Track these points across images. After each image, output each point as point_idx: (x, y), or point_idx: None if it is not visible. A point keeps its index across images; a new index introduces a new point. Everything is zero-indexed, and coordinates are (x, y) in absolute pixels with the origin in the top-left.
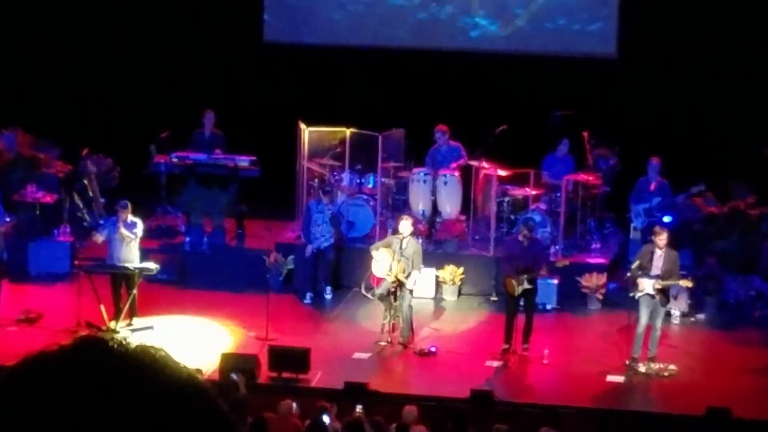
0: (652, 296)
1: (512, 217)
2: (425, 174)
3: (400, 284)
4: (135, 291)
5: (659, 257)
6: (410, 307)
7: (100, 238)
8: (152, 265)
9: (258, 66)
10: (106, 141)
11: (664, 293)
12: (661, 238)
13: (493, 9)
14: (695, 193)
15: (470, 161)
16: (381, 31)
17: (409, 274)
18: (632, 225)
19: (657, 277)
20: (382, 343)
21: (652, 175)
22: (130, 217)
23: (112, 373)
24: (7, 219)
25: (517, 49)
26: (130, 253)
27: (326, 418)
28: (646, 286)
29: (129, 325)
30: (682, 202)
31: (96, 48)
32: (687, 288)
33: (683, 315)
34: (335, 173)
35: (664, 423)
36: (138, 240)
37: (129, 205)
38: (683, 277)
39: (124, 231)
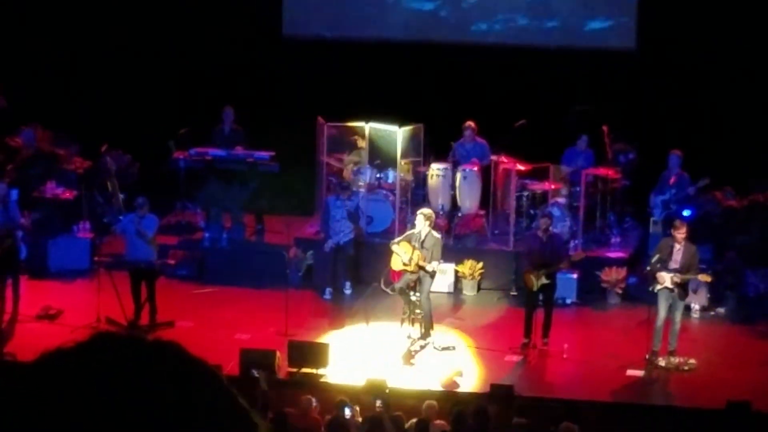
0: (671, 290)
1: (531, 211)
2: (444, 168)
3: (420, 274)
4: (155, 287)
5: (678, 251)
6: (429, 299)
7: (117, 232)
8: (170, 262)
9: (277, 60)
10: (126, 137)
11: (683, 287)
12: (680, 232)
13: (513, 2)
14: (701, 187)
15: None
16: (400, 24)
17: (429, 262)
18: (651, 219)
19: (676, 270)
20: (403, 338)
21: (673, 168)
22: (148, 214)
23: (128, 369)
24: (23, 220)
25: (537, 42)
26: (149, 249)
27: (348, 411)
28: (665, 279)
29: (149, 321)
30: (693, 194)
31: (115, 44)
32: (706, 282)
33: (703, 309)
34: (355, 168)
35: (684, 417)
36: (154, 236)
37: (146, 202)
38: (702, 271)
39: (140, 229)
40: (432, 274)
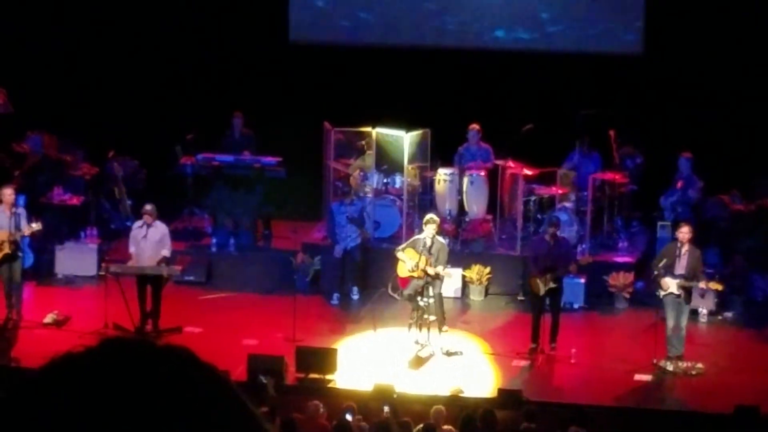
0: (677, 295)
1: (539, 216)
2: (451, 173)
3: (427, 278)
4: (161, 293)
5: (683, 255)
6: (440, 294)
7: (132, 248)
8: (177, 268)
9: (283, 66)
10: (133, 143)
11: (688, 291)
12: (683, 231)
13: (519, 8)
14: (699, 189)
15: (496, 161)
16: (406, 30)
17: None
18: (659, 223)
19: (681, 276)
20: (411, 343)
21: (683, 170)
22: (156, 222)
23: (138, 374)
24: (33, 225)
25: (543, 47)
26: (157, 256)
27: (349, 417)
28: (670, 285)
29: (156, 327)
30: (696, 197)
31: (121, 49)
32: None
33: (710, 313)
34: (362, 173)
35: (693, 422)
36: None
37: (153, 211)
38: (710, 276)
39: (164, 253)
40: (438, 278)
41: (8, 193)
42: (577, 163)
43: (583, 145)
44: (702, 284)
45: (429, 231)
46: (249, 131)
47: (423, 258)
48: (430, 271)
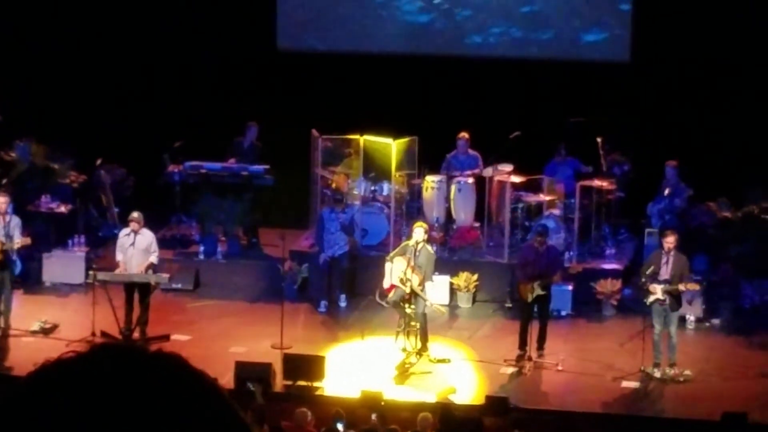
0: (663, 302)
1: (526, 223)
2: (439, 181)
3: (415, 294)
4: (149, 301)
5: (667, 261)
6: (424, 314)
7: (120, 255)
8: (164, 275)
9: (271, 73)
10: (120, 151)
11: (675, 297)
12: (668, 241)
13: (507, 14)
14: (687, 197)
15: (484, 168)
16: (394, 37)
17: (423, 287)
18: (647, 229)
19: (666, 282)
20: (398, 350)
21: (670, 178)
22: (143, 229)
23: (129, 379)
24: (17, 241)
25: (531, 55)
26: (144, 263)
27: (340, 427)
28: (657, 290)
29: (144, 334)
30: (682, 205)
31: (109, 58)
32: (700, 292)
33: (698, 320)
34: (349, 181)
35: (680, 428)
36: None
37: (140, 219)
38: (694, 281)
39: (152, 260)
40: (426, 303)
41: (2, 201)
42: (554, 170)
43: (559, 152)
44: (681, 286)
45: (418, 235)
46: (259, 144)
47: (414, 276)
48: (421, 302)
